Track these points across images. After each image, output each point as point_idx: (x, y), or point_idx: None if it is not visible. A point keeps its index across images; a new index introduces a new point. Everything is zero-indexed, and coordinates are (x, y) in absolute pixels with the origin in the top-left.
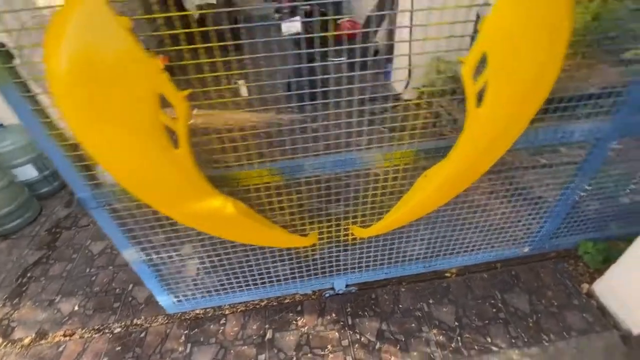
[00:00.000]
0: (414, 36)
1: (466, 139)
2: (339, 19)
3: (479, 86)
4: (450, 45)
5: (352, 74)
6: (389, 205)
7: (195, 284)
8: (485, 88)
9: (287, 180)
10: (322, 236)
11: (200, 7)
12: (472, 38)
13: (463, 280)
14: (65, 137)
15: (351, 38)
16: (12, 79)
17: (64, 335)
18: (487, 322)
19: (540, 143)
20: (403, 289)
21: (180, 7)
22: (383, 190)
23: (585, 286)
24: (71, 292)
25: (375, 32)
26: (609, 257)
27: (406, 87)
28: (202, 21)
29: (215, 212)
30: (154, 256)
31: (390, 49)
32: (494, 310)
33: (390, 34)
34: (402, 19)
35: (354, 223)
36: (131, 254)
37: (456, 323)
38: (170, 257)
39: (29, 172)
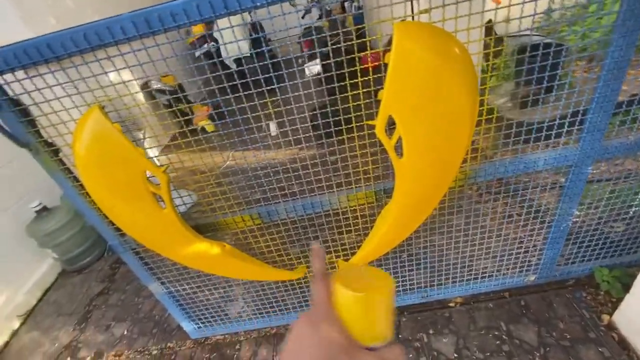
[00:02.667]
0: None
1: (399, 184)
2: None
3: (394, 141)
4: None
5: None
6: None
7: (212, 313)
8: (402, 141)
9: (266, 222)
10: (310, 269)
11: (237, 60)
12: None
13: (467, 310)
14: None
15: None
16: (59, 167)
17: (115, 355)
18: (488, 354)
19: (505, 174)
20: (404, 319)
21: (222, 63)
22: (356, 227)
23: (605, 317)
24: (123, 319)
25: None
26: (630, 284)
27: None
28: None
29: (204, 254)
30: (172, 289)
31: None
32: (498, 342)
33: None
34: None
35: (337, 257)
36: (155, 287)
37: (455, 355)
38: (184, 289)
39: None
